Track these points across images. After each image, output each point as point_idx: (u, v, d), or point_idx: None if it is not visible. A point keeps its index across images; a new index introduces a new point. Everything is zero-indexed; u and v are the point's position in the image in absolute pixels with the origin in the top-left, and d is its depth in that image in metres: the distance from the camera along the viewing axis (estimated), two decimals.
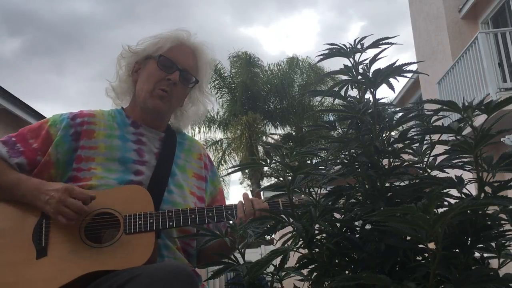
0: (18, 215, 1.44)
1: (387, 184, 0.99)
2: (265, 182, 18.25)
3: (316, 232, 0.98)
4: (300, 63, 18.51)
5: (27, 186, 1.43)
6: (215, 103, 18.50)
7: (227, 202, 1.67)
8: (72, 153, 1.51)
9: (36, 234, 1.40)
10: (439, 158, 1.01)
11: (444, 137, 0.96)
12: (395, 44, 0.98)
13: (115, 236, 1.40)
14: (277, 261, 0.96)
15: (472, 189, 0.87)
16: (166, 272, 1.20)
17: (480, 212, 0.87)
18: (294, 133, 18.32)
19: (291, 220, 0.97)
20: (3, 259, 1.37)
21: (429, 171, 1.01)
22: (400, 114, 1.01)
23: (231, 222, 1.11)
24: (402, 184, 1.01)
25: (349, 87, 1.02)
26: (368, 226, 0.96)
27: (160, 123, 1.68)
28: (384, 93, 6.25)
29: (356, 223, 0.98)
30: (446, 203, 0.94)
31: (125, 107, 1.69)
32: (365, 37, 1.01)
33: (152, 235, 1.41)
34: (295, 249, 0.97)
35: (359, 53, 1.00)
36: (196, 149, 1.75)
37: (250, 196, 1.56)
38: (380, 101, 0.99)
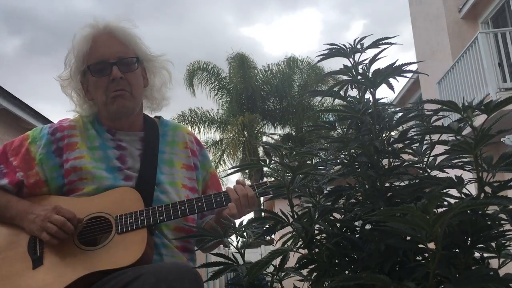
0: (11, 231, 1.46)
1: (387, 184, 0.99)
2: None
3: (316, 232, 0.98)
4: (300, 63, 18.50)
5: (17, 209, 1.44)
6: (214, 104, 18.54)
7: None
8: (59, 169, 1.51)
9: (31, 246, 1.42)
10: (439, 158, 1.01)
11: (444, 137, 0.96)
12: (395, 44, 0.98)
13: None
14: (277, 261, 0.96)
15: (472, 189, 0.87)
16: (172, 271, 1.20)
17: (480, 212, 0.87)
18: (294, 133, 18.32)
19: (291, 220, 0.97)
20: (0, 274, 1.38)
21: (429, 171, 1.01)
22: (400, 114, 1.01)
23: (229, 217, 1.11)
24: (402, 184, 1.01)
25: (349, 87, 1.02)
26: (368, 226, 0.96)
27: (133, 122, 1.62)
28: (384, 93, 6.24)
29: (356, 223, 0.98)
30: (446, 203, 0.94)
31: (98, 112, 1.62)
32: (365, 37, 1.01)
33: (144, 231, 1.41)
34: (295, 249, 0.97)
35: (359, 53, 1.00)
36: (181, 137, 1.69)
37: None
38: (380, 101, 0.99)
